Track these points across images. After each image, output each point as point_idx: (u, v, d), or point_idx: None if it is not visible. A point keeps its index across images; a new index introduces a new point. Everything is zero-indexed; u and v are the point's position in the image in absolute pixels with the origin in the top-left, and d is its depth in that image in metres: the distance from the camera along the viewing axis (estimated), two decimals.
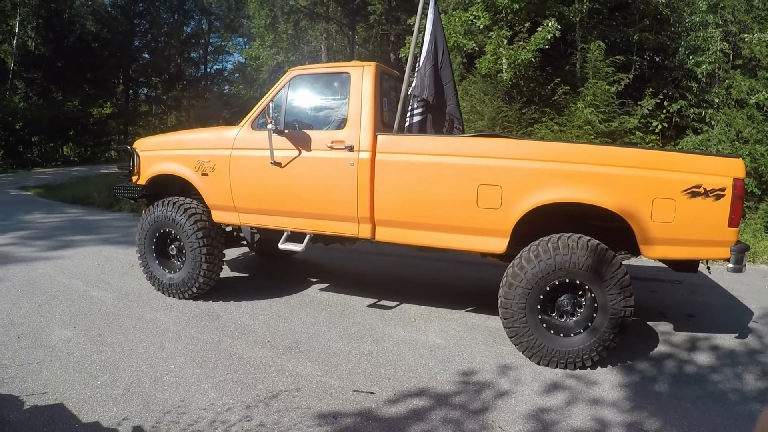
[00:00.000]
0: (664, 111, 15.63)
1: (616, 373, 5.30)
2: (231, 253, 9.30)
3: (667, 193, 5.13)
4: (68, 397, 4.61)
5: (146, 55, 48.45)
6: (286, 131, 6.30)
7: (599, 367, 5.39)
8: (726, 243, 5.18)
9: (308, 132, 6.29)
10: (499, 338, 6.03)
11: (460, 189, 5.59)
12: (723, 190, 5.03)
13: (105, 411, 4.42)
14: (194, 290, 7.01)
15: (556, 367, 5.35)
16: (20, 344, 5.68)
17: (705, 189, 5.05)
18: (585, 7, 16.47)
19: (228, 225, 7.27)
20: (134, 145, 7.66)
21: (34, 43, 39.06)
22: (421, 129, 6.58)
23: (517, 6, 15.35)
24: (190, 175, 6.96)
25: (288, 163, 6.31)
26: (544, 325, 5.38)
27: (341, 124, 6.20)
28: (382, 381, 5.03)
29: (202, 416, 4.37)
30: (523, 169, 5.39)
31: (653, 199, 5.15)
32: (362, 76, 6.15)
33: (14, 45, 36.66)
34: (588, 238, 5.29)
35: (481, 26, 15.87)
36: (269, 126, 6.17)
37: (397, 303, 7.19)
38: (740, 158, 5.27)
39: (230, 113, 39.72)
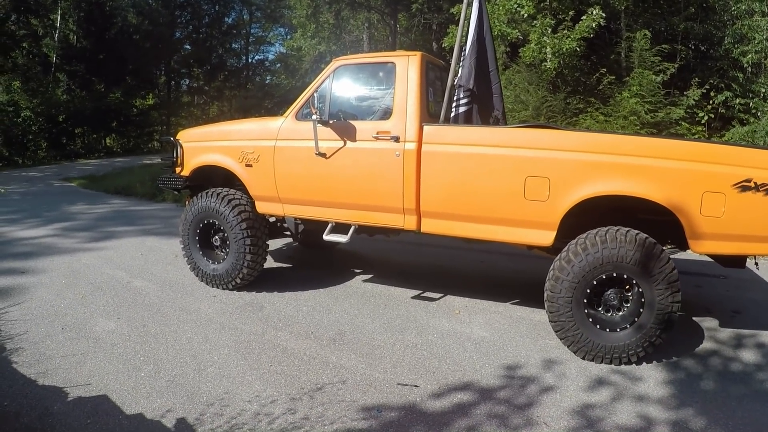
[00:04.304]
0: (710, 101, 15.37)
1: (662, 370, 5.22)
2: (274, 244, 9.34)
3: (716, 187, 5.00)
4: (112, 389, 4.65)
5: (187, 46, 48.92)
6: (331, 122, 6.28)
7: (644, 363, 5.31)
8: None
9: (353, 122, 6.26)
10: (544, 332, 5.97)
11: (507, 180, 5.52)
12: None
13: (149, 403, 4.46)
14: (238, 281, 7.03)
15: (601, 362, 5.29)
16: (64, 335, 5.75)
17: (755, 183, 4.92)
18: None
19: (272, 216, 7.28)
20: (177, 137, 7.70)
21: (75, 37, 39.57)
22: (467, 119, 6.54)
23: None
24: (234, 166, 6.98)
25: (333, 154, 6.29)
26: (590, 320, 5.31)
27: (386, 114, 6.16)
28: (427, 374, 5.01)
29: (246, 408, 4.38)
30: (572, 161, 5.31)
31: (703, 192, 5.03)
32: (408, 65, 6.09)
33: (56, 38, 37.16)
34: (636, 231, 5.20)
35: (525, 15, 15.75)
36: (314, 116, 6.16)
37: (442, 295, 7.15)
38: None
39: (272, 103, 39.93)
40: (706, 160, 5.05)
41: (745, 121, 15.28)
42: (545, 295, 5.46)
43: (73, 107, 33.29)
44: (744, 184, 4.93)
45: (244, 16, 52.50)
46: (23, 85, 32.69)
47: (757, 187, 4.91)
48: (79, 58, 37.62)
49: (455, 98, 6.52)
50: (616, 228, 5.26)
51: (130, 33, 41.72)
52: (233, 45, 53.11)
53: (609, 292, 5.32)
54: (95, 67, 37.46)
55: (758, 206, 4.95)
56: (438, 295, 7.13)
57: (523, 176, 5.45)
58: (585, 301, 5.27)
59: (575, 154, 5.31)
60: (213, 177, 7.50)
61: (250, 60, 53.92)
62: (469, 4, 6.60)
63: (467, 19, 6.63)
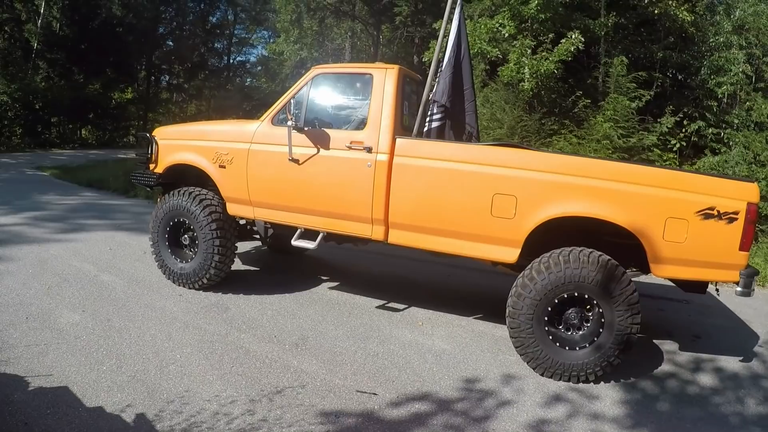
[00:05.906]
0: (684, 130, 15.55)
1: (619, 389, 5.32)
2: (243, 247, 9.30)
3: (680, 214, 5.14)
4: (73, 381, 4.67)
5: (170, 43, 48.56)
6: (306, 129, 6.34)
7: (602, 382, 5.41)
8: (736, 266, 5.20)
9: (328, 131, 6.32)
10: (504, 347, 6.04)
11: (475, 197, 5.62)
12: (736, 213, 5.05)
13: (109, 397, 4.48)
14: (205, 281, 7.05)
15: (560, 379, 5.38)
16: (28, 325, 5.74)
17: (718, 211, 5.06)
18: (611, 21, 16.37)
19: (242, 218, 7.30)
20: (154, 133, 7.71)
21: (58, 24, 39.08)
22: (440, 135, 6.60)
23: (543, 16, 15.32)
24: (208, 167, 7.00)
25: (306, 161, 6.34)
26: (550, 337, 5.40)
27: (361, 124, 6.23)
28: (386, 383, 5.07)
29: (205, 407, 4.42)
30: (539, 181, 5.42)
31: (666, 218, 5.17)
32: (385, 78, 6.18)
33: (39, 25, 36.70)
34: (599, 253, 5.31)
35: (506, 35, 15.81)
36: (289, 122, 6.19)
37: (406, 306, 7.21)
38: (755, 183, 5.28)
39: (251, 105, 39.73)
40: (671, 186, 5.19)
41: (717, 151, 15.42)
42: (507, 311, 5.54)
43: (50, 95, 32.84)
44: (707, 211, 5.08)
45: (229, 17, 52.28)
46: (2, 70, 32.25)
47: (719, 216, 5.06)
48: (60, 47, 37.13)
49: (429, 113, 6.59)
50: (580, 249, 5.36)
51: (114, 25, 41.19)
52: (216, 45, 52.87)
53: (570, 311, 5.42)
54: (76, 56, 37.02)
55: (720, 234, 5.09)
56: (402, 306, 7.19)
57: (491, 193, 5.54)
58: (546, 318, 5.37)
59: (543, 174, 5.42)
60: (187, 176, 7.48)
61: (231, 61, 53.71)
62: (449, 21, 6.68)
63: (446, 35, 6.72)
